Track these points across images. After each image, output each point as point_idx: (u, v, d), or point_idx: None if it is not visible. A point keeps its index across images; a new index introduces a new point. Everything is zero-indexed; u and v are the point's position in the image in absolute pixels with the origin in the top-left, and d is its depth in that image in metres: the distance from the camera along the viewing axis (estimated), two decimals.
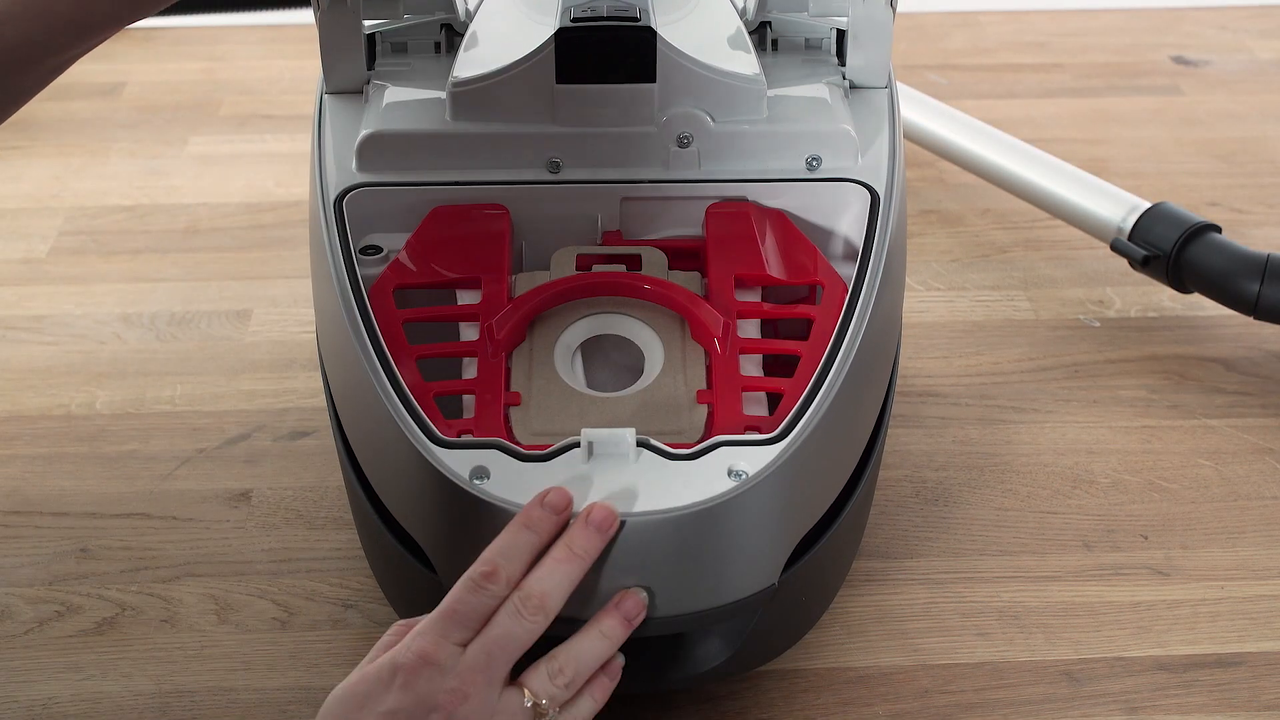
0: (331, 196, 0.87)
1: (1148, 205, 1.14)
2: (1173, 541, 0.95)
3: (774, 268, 0.84)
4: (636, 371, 0.81)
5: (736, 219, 0.86)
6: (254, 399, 1.08)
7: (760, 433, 0.75)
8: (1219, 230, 1.11)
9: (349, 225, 0.86)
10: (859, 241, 0.86)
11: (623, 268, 0.85)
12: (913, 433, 1.05)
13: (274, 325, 1.17)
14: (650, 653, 0.78)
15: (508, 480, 0.74)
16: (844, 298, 0.80)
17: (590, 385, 0.81)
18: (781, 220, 0.87)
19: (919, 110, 1.31)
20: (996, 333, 1.16)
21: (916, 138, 1.32)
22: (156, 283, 1.22)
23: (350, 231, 0.85)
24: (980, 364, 1.12)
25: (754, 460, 0.74)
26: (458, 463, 0.74)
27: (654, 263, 0.85)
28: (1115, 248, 1.14)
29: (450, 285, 0.85)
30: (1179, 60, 1.63)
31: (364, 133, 0.88)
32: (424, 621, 0.69)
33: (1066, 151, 1.30)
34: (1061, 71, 1.61)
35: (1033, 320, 1.17)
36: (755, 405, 0.79)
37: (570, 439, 0.76)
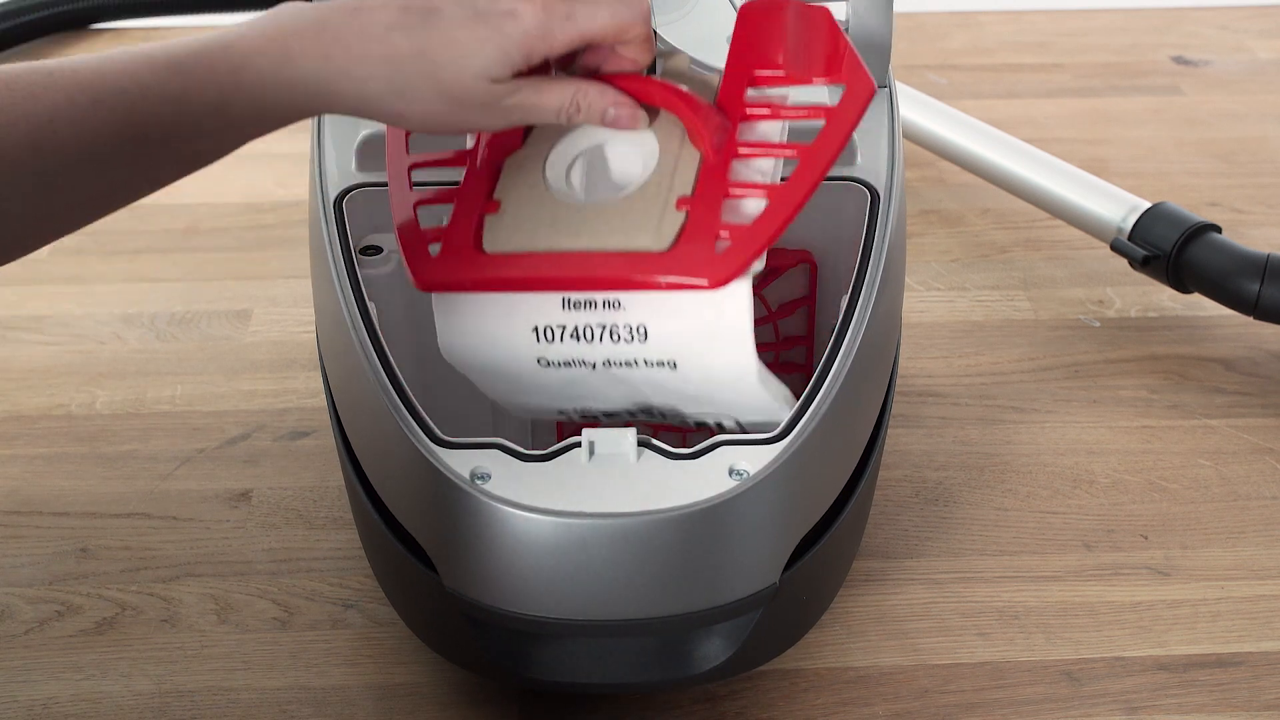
0: (331, 196, 0.87)
1: (1148, 205, 1.14)
2: (1173, 541, 0.95)
3: (795, 65, 0.77)
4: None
5: (769, 13, 0.78)
6: (254, 399, 1.08)
7: (731, 240, 0.71)
8: (1219, 230, 1.11)
9: (349, 225, 0.86)
10: (859, 241, 0.85)
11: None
12: (913, 433, 1.05)
13: (274, 325, 1.17)
14: (650, 652, 0.78)
15: (508, 480, 0.74)
16: (867, 99, 0.73)
17: (587, 190, 0.77)
18: (823, 15, 0.78)
19: (919, 110, 1.31)
20: (996, 333, 1.16)
21: (916, 138, 1.32)
22: (156, 283, 1.22)
23: (350, 231, 0.85)
24: (980, 364, 1.12)
25: (755, 459, 0.74)
26: (458, 463, 0.74)
27: (675, 69, 0.81)
28: (1115, 248, 1.14)
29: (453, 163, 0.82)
30: (1179, 60, 1.63)
31: (364, 133, 0.88)
32: None
33: (1066, 151, 1.30)
34: (1061, 71, 1.61)
35: (1033, 320, 1.17)
36: (742, 218, 0.73)
37: (571, 440, 0.76)
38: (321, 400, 1.01)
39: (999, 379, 1.11)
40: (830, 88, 0.92)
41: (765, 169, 0.75)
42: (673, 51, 0.82)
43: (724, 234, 0.70)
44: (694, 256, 0.70)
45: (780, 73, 0.76)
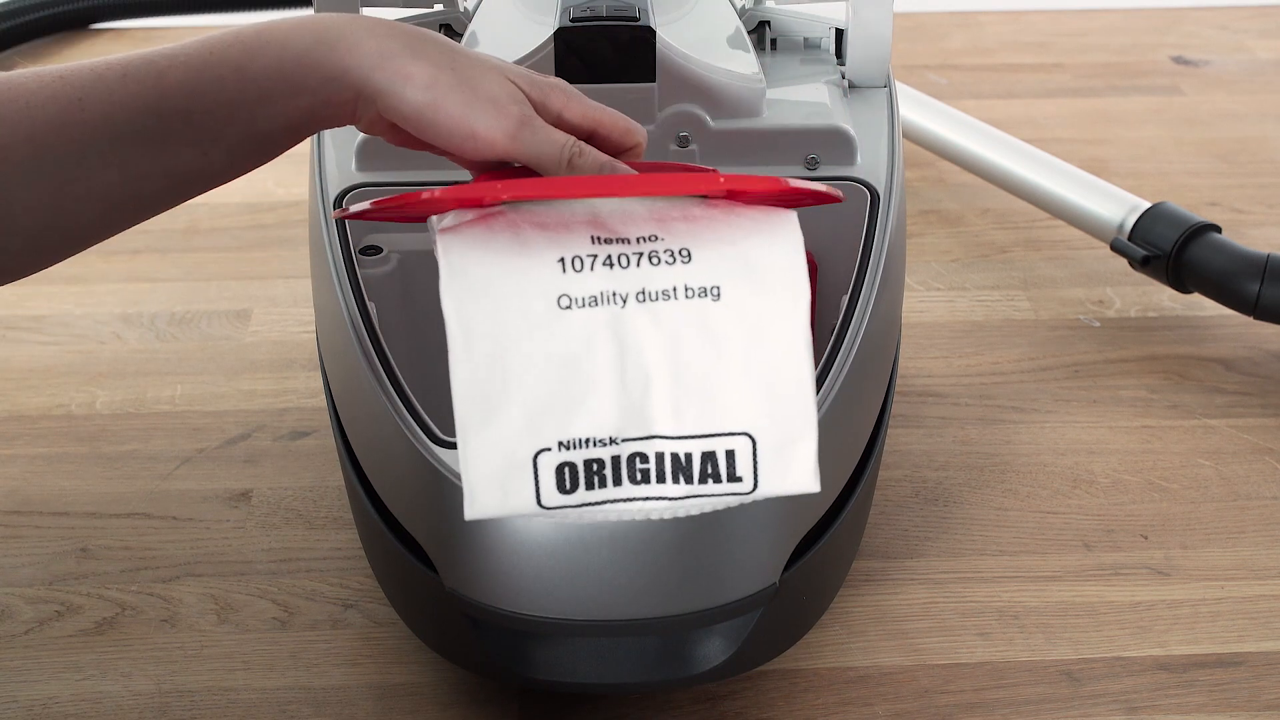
0: (331, 196, 0.87)
1: (1148, 205, 1.14)
2: (1173, 541, 0.95)
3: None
4: None
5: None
6: (254, 399, 1.08)
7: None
8: (1219, 230, 1.11)
9: (349, 225, 0.86)
10: (859, 241, 0.85)
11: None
12: (913, 433, 1.05)
13: (274, 325, 1.17)
14: (650, 652, 0.78)
15: None
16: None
17: None
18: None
19: (919, 110, 1.32)
20: (996, 333, 1.16)
21: (916, 138, 1.32)
22: (156, 283, 1.22)
23: (350, 231, 0.85)
24: (980, 364, 1.12)
25: None
26: (458, 463, 0.74)
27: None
28: (1115, 248, 1.14)
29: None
30: (1179, 60, 1.63)
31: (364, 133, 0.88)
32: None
33: (1066, 151, 1.30)
34: (1061, 71, 1.61)
35: (1033, 320, 1.17)
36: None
37: None
38: (321, 400, 1.01)
39: (999, 379, 1.11)
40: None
41: None
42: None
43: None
44: (743, 185, 0.67)
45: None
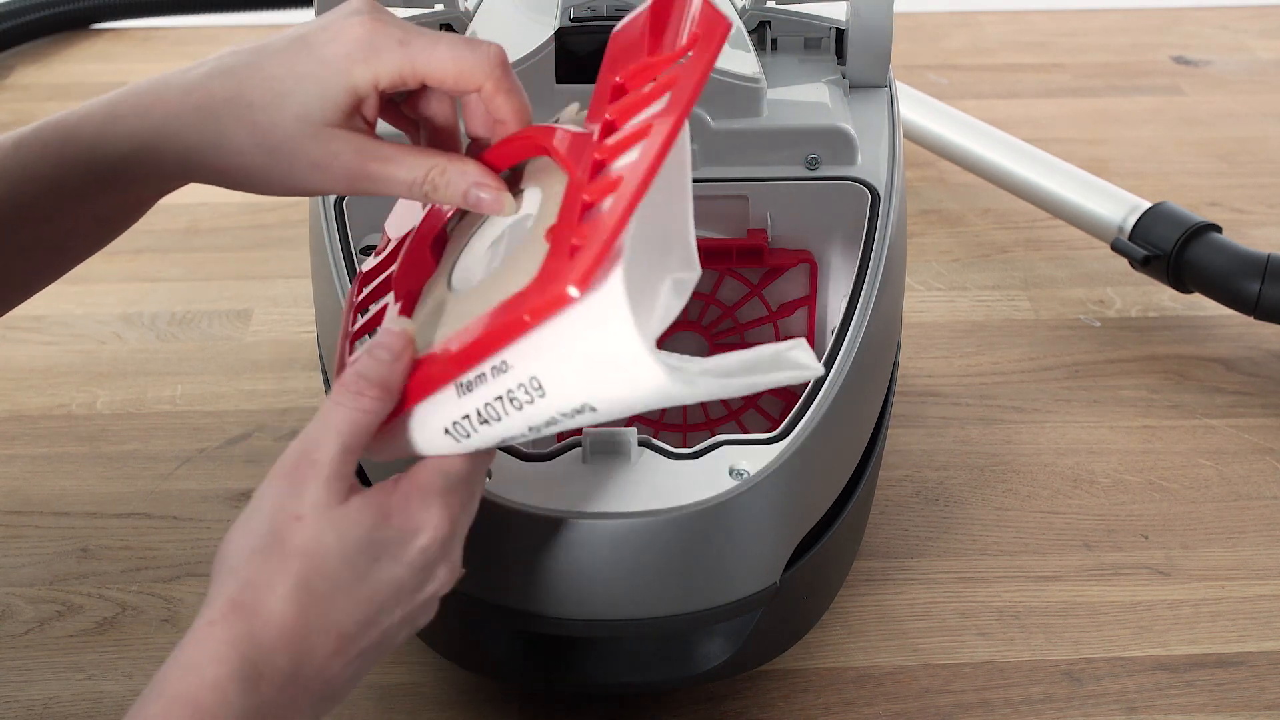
0: (332, 196, 0.87)
1: (1148, 205, 1.14)
2: (1173, 541, 0.95)
3: (660, 48, 0.66)
4: None
5: (630, 27, 0.69)
6: (254, 399, 1.08)
7: (585, 242, 0.59)
8: (1219, 230, 1.11)
9: (349, 225, 0.86)
10: (859, 241, 0.85)
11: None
12: (913, 433, 1.05)
13: (274, 325, 1.17)
14: (650, 652, 0.78)
15: (508, 480, 0.74)
16: (720, 40, 0.62)
17: (487, 273, 0.68)
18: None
19: (919, 110, 1.31)
20: (996, 333, 1.16)
21: (916, 138, 1.32)
22: (156, 283, 1.22)
23: (350, 231, 0.85)
24: (980, 364, 1.12)
25: (755, 459, 0.74)
26: None
27: (568, 117, 0.71)
28: (1115, 248, 1.14)
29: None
30: (1179, 60, 1.63)
31: None
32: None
33: (1066, 151, 1.30)
34: (1061, 71, 1.61)
35: (1033, 320, 1.17)
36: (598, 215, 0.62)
37: (571, 440, 0.76)
38: (321, 400, 1.01)
39: (999, 379, 1.11)
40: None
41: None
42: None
43: (576, 240, 0.60)
44: (555, 276, 0.60)
45: (644, 61, 0.66)
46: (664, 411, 0.93)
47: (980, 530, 0.96)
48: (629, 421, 0.93)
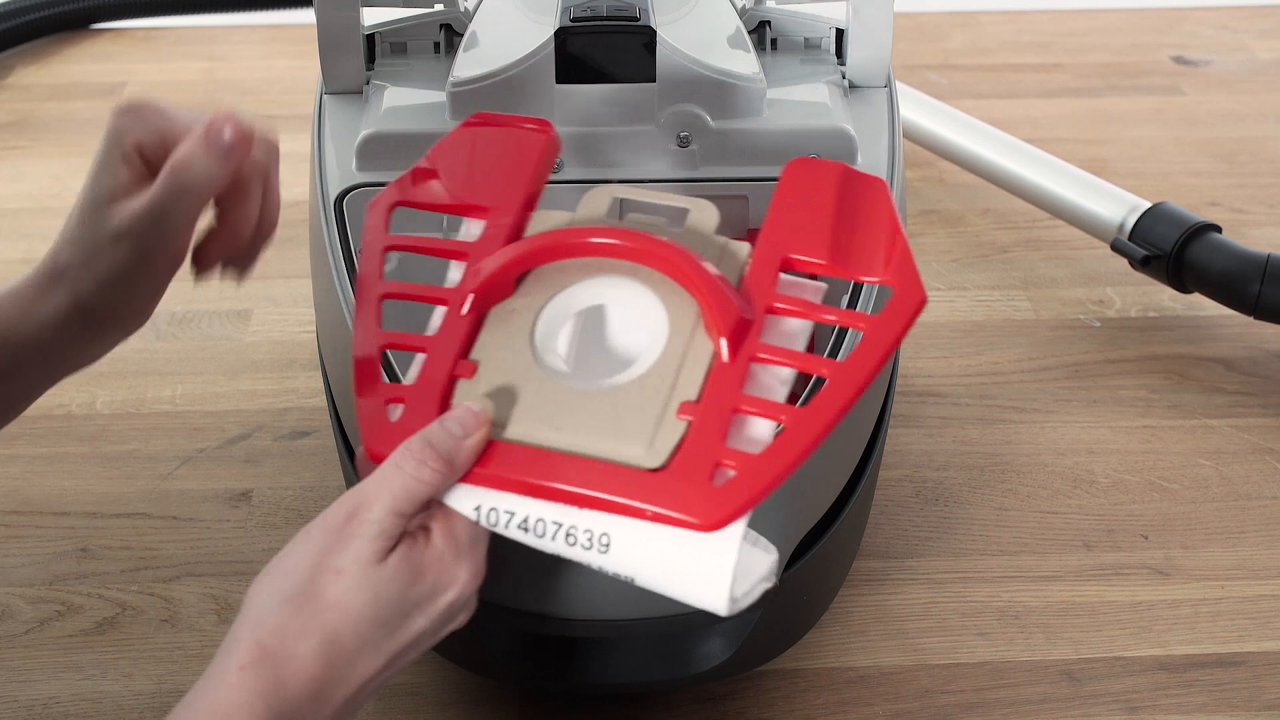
0: (331, 196, 0.87)
1: (1148, 205, 1.14)
2: (1173, 541, 0.95)
3: (840, 254, 0.65)
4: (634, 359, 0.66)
5: (818, 178, 0.67)
6: (254, 399, 1.08)
7: (736, 471, 0.60)
8: (1219, 230, 1.11)
9: (349, 225, 0.86)
10: None
11: (664, 221, 0.69)
12: (913, 433, 1.05)
13: (274, 325, 1.17)
14: (650, 652, 0.78)
15: None
16: (916, 311, 0.63)
17: (578, 364, 0.66)
18: (878, 191, 0.67)
19: (919, 110, 1.31)
20: (996, 333, 1.16)
21: (916, 138, 1.32)
22: None
23: (350, 231, 0.85)
24: (980, 364, 1.12)
25: None
26: None
27: (702, 222, 0.69)
28: (1115, 248, 1.14)
29: (452, 211, 0.71)
30: (1179, 60, 1.63)
31: (364, 133, 0.88)
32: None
33: (1066, 151, 1.30)
34: (1061, 71, 1.61)
35: (1033, 320, 1.17)
36: (750, 438, 0.62)
37: None
38: (321, 400, 1.01)
39: (999, 379, 1.11)
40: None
41: (787, 378, 0.63)
42: (698, 203, 0.70)
43: (728, 462, 0.59)
44: (688, 484, 0.59)
45: (820, 259, 0.65)
46: None
47: (980, 530, 0.96)
48: None
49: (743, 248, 0.67)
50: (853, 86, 0.94)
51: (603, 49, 0.86)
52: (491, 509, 0.62)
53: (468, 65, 0.89)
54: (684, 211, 0.70)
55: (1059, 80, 1.59)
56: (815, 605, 0.84)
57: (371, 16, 0.95)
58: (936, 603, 0.91)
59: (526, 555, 0.73)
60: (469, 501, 0.62)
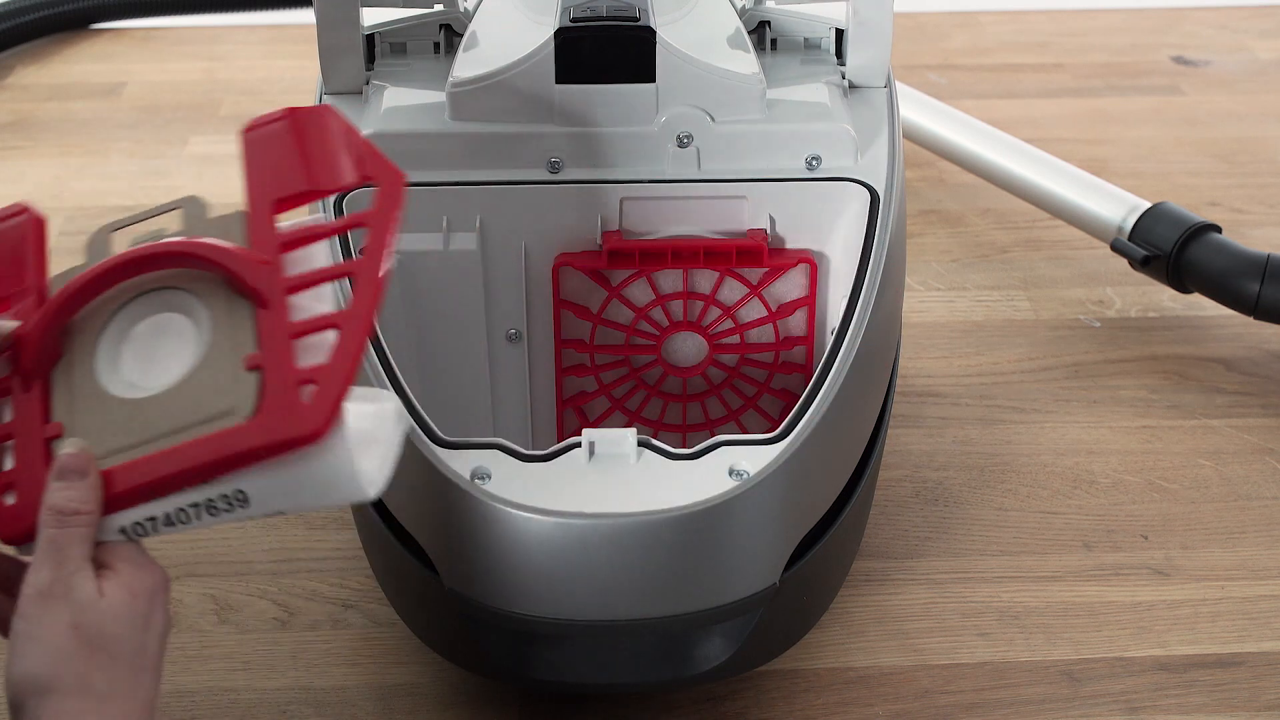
0: (332, 196, 0.87)
1: (1148, 205, 1.14)
2: (1173, 541, 0.95)
3: (317, 178, 0.71)
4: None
5: (272, 131, 0.72)
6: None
7: (317, 383, 0.64)
8: (1219, 230, 1.11)
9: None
10: (859, 241, 0.85)
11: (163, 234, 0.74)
12: (913, 433, 1.05)
13: None
14: (650, 652, 0.78)
15: (508, 480, 0.74)
16: (399, 193, 0.68)
17: (146, 376, 0.68)
18: (329, 114, 0.72)
19: (919, 110, 1.31)
20: (996, 333, 1.16)
21: (916, 138, 1.32)
22: None
23: (350, 231, 0.85)
24: (980, 364, 1.12)
25: (755, 460, 0.74)
26: (458, 463, 0.74)
27: (194, 215, 0.73)
28: (1115, 248, 1.14)
29: None
30: (1179, 60, 1.63)
31: (364, 133, 0.88)
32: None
33: (1066, 151, 1.30)
34: (1061, 71, 1.61)
35: (1033, 320, 1.17)
36: (317, 353, 0.66)
37: (571, 440, 0.76)
38: None
39: (999, 379, 1.11)
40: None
41: (325, 294, 0.69)
42: (183, 200, 0.75)
43: (307, 378, 0.65)
44: (284, 413, 0.64)
45: (305, 188, 0.70)
46: (664, 411, 0.93)
47: (980, 530, 0.96)
48: (628, 422, 0.93)
49: (236, 213, 0.72)
50: (853, 86, 0.94)
51: (603, 49, 0.86)
52: (135, 524, 0.66)
53: (467, 65, 0.89)
54: (173, 207, 0.74)
55: (1059, 80, 1.59)
56: (815, 605, 0.84)
57: (371, 17, 0.95)
58: (936, 603, 0.91)
59: (527, 556, 0.73)
60: (113, 528, 0.66)
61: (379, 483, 0.65)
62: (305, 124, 0.71)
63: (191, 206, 0.74)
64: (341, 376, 0.64)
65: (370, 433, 0.66)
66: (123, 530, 0.66)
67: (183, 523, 0.66)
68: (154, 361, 0.69)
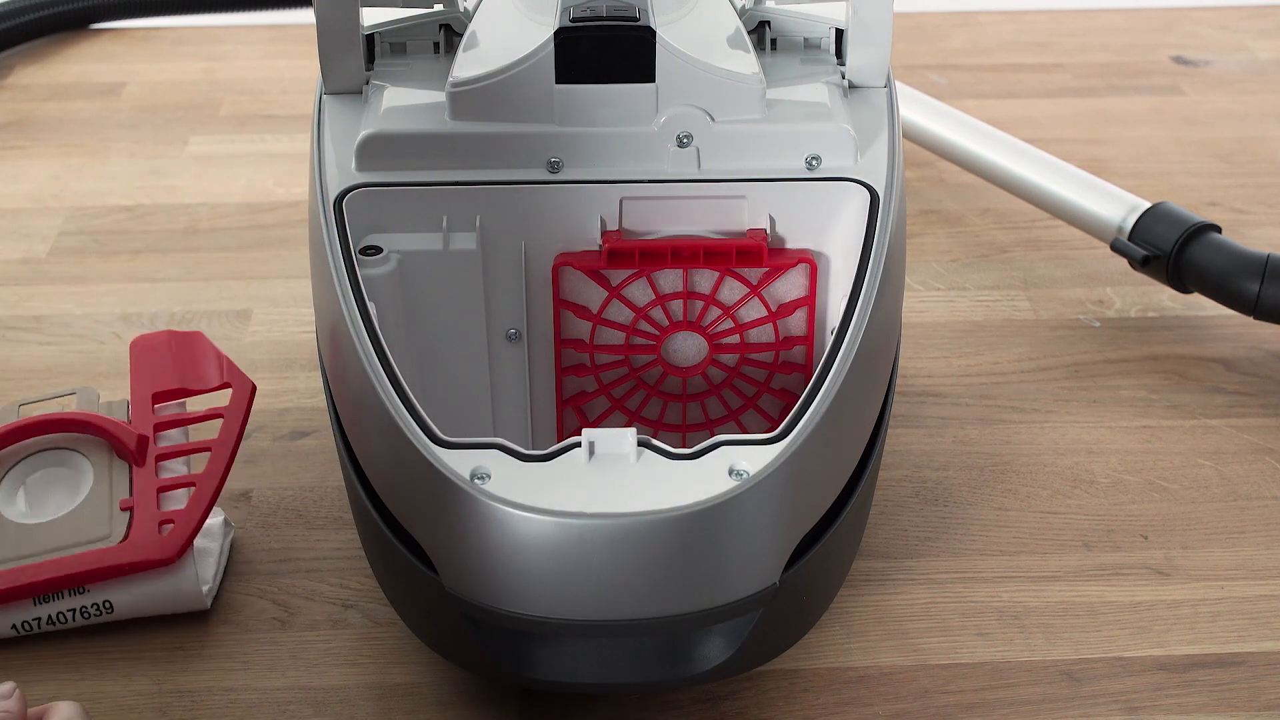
0: (331, 197, 0.87)
1: (1148, 205, 1.14)
2: (1173, 541, 0.96)
3: (187, 378, 0.95)
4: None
5: (154, 345, 0.97)
6: (254, 399, 1.08)
7: (174, 523, 0.87)
8: (1219, 230, 1.11)
9: (349, 225, 0.86)
10: (859, 241, 0.85)
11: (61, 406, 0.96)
12: (913, 433, 1.05)
13: (274, 325, 1.17)
14: (650, 652, 0.78)
15: (509, 480, 0.74)
16: (248, 397, 0.94)
17: (40, 511, 0.89)
18: (198, 339, 0.98)
19: (919, 110, 1.32)
20: (996, 333, 1.16)
21: (916, 138, 1.32)
22: (156, 283, 1.22)
23: (350, 231, 0.85)
24: (980, 364, 1.12)
25: (755, 460, 0.74)
26: (458, 463, 0.74)
27: (88, 400, 0.95)
28: (1115, 248, 1.14)
29: None
30: (1179, 60, 1.63)
31: (364, 133, 0.88)
32: None
33: (1066, 151, 1.30)
34: (1061, 71, 1.61)
35: (1033, 320, 1.17)
36: (177, 503, 0.89)
37: (571, 440, 0.76)
38: (321, 400, 1.01)
39: (999, 379, 1.11)
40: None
41: (184, 461, 0.92)
42: (73, 391, 0.97)
43: (166, 519, 0.87)
44: (146, 543, 0.86)
45: (177, 385, 0.94)
46: (664, 411, 0.93)
47: (980, 530, 0.96)
48: (628, 421, 0.93)
49: (122, 400, 0.95)
50: (853, 86, 0.94)
51: (602, 49, 0.86)
52: (24, 622, 0.86)
53: (467, 65, 0.89)
54: (71, 393, 0.96)
55: (1059, 80, 1.59)
56: (815, 605, 0.84)
57: (371, 16, 0.95)
58: (936, 603, 0.91)
59: (526, 556, 0.73)
60: (6, 623, 0.86)
61: (213, 589, 0.90)
62: (181, 341, 0.97)
63: (86, 393, 0.95)
64: (195, 519, 0.87)
65: (206, 548, 0.90)
66: (14, 626, 0.86)
67: (63, 623, 0.87)
68: (45, 501, 0.90)
